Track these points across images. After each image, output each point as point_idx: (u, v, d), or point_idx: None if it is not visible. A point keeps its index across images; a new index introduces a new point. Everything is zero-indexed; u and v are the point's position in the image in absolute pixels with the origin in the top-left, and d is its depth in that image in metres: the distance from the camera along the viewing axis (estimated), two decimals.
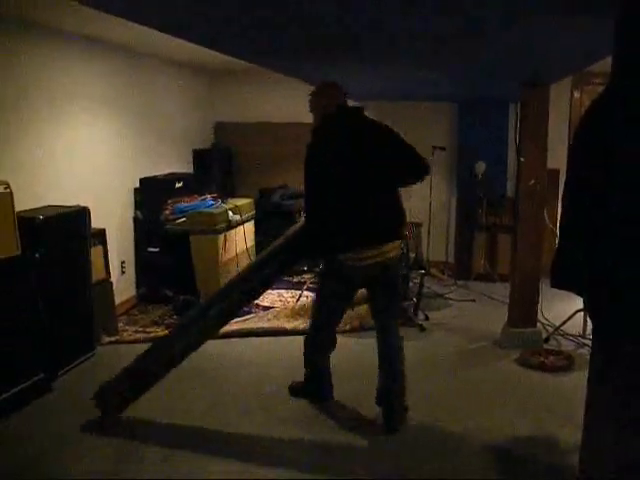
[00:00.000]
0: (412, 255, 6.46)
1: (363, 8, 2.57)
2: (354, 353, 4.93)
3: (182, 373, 4.59)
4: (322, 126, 3.66)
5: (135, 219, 6.47)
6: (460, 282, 7.21)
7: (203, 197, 6.72)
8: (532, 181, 4.90)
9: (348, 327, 5.48)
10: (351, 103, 3.78)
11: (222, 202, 6.71)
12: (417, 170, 3.61)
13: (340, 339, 5.27)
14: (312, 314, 4.00)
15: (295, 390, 4.17)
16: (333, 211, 3.56)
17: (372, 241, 3.54)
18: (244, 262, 6.74)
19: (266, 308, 6.20)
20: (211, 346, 5.19)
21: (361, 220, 3.53)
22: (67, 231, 4.61)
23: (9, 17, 4.49)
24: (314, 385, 4.07)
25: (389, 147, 3.58)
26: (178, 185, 6.80)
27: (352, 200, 3.52)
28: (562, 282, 1.93)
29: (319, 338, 3.92)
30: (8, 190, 3.96)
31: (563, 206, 1.92)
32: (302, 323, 5.63)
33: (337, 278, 3.70)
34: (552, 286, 1.97)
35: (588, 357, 2.12)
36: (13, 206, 3.99)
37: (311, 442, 3.59)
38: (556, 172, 6.42)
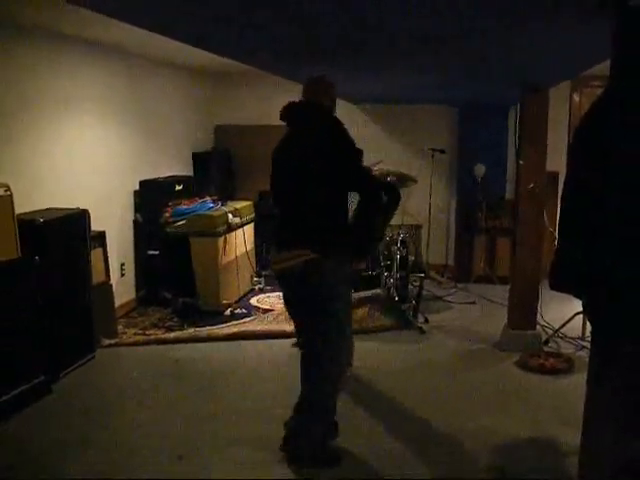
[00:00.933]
0: (411, 258, 6.47)
1: (363, 8, 2.58)
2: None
3: (182, 373, 4.61)
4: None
5: (135, 222, 6.48)
6: (460, 285, 7.21)
7: (203, 200, 6.72)
8: (531, 185, 4.91)
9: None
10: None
11: (222, 205, 6.72)
12: (366, 197, 3.27)
13: None
14: None
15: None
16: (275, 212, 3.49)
17: (281, 246, 3.30)
18: (244, 265, 6.75)
19: (266, 311, 6.20)
20: (212, 348, 5.22)
21: (279, 224, 3.38)
22: (67, 234, 4.61)
23: (8, 20, 4.49)
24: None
25: (322, 161, 3.18)
26: (178, 188, 6.80)
27: (277, 203, 3.40)
28: (561, 284, 1.93)
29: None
30: (8, 193, 3.97)
31: (562, 207, 1.92)
32: None
33: None
34: (551, 288, 1.98)
35: (587, 359, 2.12)
36: (13, 209, 4.00)
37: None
38: (555, 175, 6.43)
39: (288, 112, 3.44)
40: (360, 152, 3.28)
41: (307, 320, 3.30)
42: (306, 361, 3.31)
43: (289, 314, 3.50)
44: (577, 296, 1.97)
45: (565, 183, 1.93)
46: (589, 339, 4.97)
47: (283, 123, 3.60)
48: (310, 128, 3.31)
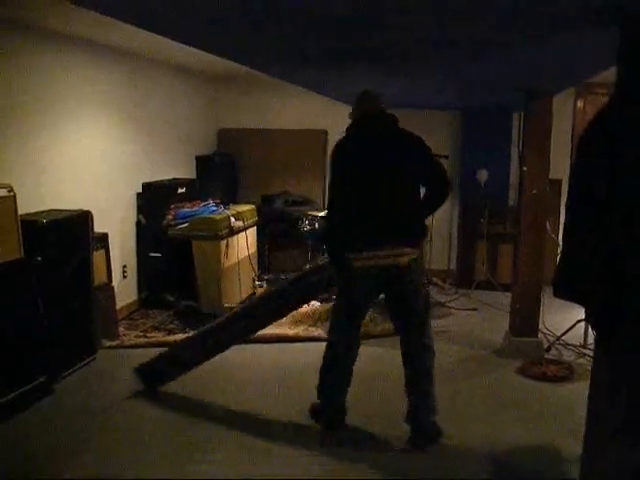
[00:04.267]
0: None
1: (367, 16, 2.59)
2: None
3: (182, 376, 4.60)
4: (353, 126, 3.69)
5: (137, 224, 6.48)
6: (462, 291, 7.21)
7: (205, 203, 6.72)
8: (534, 191, 4.91)
9: None
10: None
11: (224, 208, 6.71)
12: (439, 188, 3.65)
13: None
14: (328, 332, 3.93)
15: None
16: (346, 209, 3.61)
17: (378, 243, 3.48)
18: (246, 268, 6.75)
19: None
20: None
21: (369, 221, 3.52)
22: (70, 235, 4.61)
23: (15, 22, 4.51)
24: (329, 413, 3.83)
25: (415, 159, 3.57)
26: (181, 190, 6.81)
27: (364, 201, 3.54)
28: (565, 292, 1.93)
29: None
30: (12, 193, 3.98)
31: (566, 215, 1.92)
32: (304, 330, 5.65)
33: (346, 280, 3.67)
34: (555, 295, 1.97)
35: (589, 367, 2.12)
36: (16, 209, 4.01)
37: (306, 445, 3.60)
38: (558, 182, 6.43)
39: (372, 119, 3.66)
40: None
41: (408, 309, 3.66)
42: (409, 342, 3.75)
43: (359, 307, 3.75)
44: (581, 304, 1.96)
45: (569, 191, 1.92)
46: (591, 347, 4.98)
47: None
48: (398, 134, 3.63)
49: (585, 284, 1.83)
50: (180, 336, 5.54)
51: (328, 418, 3.79)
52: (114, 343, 5.30)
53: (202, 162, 7.82)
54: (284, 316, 4.65)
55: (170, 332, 5.74)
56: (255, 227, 7.11)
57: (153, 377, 4.32)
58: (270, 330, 5.66)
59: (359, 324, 3.78)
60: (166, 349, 4.46)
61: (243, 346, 5.19)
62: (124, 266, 6.28)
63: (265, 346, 5.32)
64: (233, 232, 6.41)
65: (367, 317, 5.63)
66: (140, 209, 6.47)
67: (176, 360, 4.31)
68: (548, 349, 5.16)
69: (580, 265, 1.84)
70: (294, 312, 6.13)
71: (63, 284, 4.54)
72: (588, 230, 1.80)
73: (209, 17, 2.75)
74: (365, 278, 3.56)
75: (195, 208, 6.54)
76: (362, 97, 3.72)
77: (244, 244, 6.69)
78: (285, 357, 5.08)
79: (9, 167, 4.54)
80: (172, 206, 6.45)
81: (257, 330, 4.46)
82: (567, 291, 1.93)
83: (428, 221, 7.20)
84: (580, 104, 7.20)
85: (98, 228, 5.17)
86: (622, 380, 1.78)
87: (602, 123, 1.81)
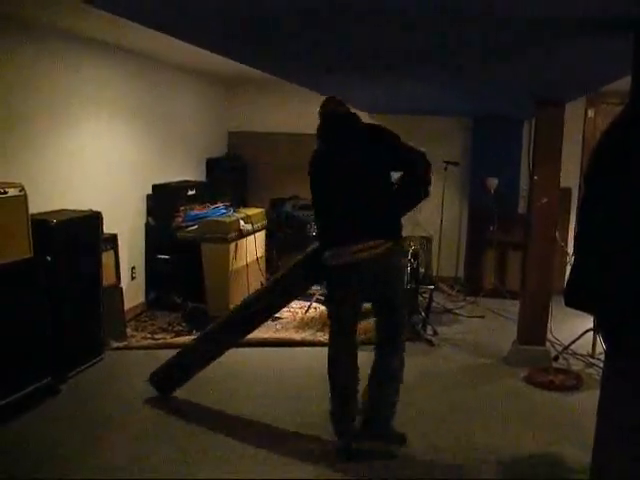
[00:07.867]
0: (422, 270, 6.44)
1: (381, 24, 2.59)
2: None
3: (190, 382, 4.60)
4: (321, 129, 3.72)
5: (147, 225, 6.49)
6: (469, 298, 7.18)
7: (215, 205, 6.74)
8: (544, 199, 4.89)
9: None
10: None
11: (234, 211, 6.72)
12: (414, 171, 3.64)
13: None
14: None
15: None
16: (325, 217, 3.70)
17: (352, 241, 3.48)
18: (254, 271, 6.75)
19: (275, 318, 6.18)
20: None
21: (344, 224, 3.56)
22: (79, 235, 4.64)
23: (27, 23, 4.53)
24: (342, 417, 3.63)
25: (383, 149, 3.63)
26: (190, 193, 6.82)
27: (338, 206, 3.57)
28: (576, 301, 1.92)
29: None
30: (23, 193, 4.00)
31: (578, 225, 1.91)
32: (311, 334, 5.65)
33: (331, 286, 3.71)
34: (566, 305, 1.96)
35: (597, 377, 2.11)
36: (27, 209, 4.03)
37: (312, 451, 3.59)
38: (568, 191, 6.41)
39: (331, 125, 3.68)
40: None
41: (393, 298, 3.65)
42: (395, 333, 3.69)
43: (353, 301, 3.65)
44: (592, 313, 1.95)
45: (582, 201, 1.91)
46: (599, 357, 4.94)
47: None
48: (358, 131, 3.68)
49: (597, 294, 1.82)
50: (187, 338, 5.56)
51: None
52: (121, 344, 5.31)
53: (212, 165, 7.85)
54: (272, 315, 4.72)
55: (178, 334, 5.75)
56: (264, 231, 7.10)
57: (165, 384, 4.31)
58: (277, 334, 5.69)
59: (350, 331, 3.70)
60: (173, 356, 4.39)
61: (250, 349, 5.21)
62: (133, 267, 6.29)
63: (272, 350, 5.33)
64: (242, 235, 6.42)
65: (373, 323, 5.66)
66: (150, 211, 6.49)
67: (180, 366, 4.30)
68: (556, 358, 5.13)
69: (592, 275, 1.83)
70: (302, 316, 6.18)
71: (72, 284, 4.56)
72: (600, 239, 1.79)
73: (220, 19, 2.76)
74: (343, 276, 3.56)
75: (205, 210, 6.56)
76: (327, 101, 3.77)
77: (253, 247, 6.69)
78: (292, 361, 5.07)
79: (21, 167, 4.56)
80: (182, 208, 6.47)
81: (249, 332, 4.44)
82: (579, 301, 1.91)
83: (435, 226, 7.27)
84: (591, 113, 7.18)
85: (108, 229, 5.19)
86: (632, 391, 1.77)
87: (616, 133, 1.80)
